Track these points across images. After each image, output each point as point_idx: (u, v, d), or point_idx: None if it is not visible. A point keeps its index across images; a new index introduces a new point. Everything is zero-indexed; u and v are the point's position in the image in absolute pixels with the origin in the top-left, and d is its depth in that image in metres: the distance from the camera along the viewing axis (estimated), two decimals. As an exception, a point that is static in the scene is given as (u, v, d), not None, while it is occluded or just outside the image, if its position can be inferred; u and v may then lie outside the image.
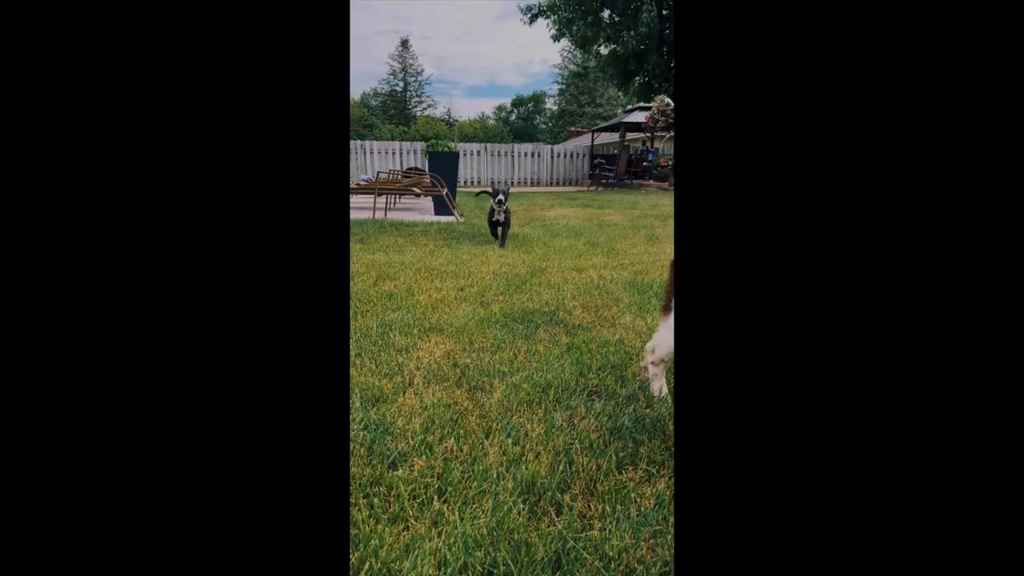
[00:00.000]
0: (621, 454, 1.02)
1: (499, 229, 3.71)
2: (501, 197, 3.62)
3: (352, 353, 1.54)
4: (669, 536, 0.81)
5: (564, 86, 41.42)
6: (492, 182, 3.54)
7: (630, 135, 14.22)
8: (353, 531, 0.80)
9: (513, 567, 0.74)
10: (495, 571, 0.74)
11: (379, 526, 0.82)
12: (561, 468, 0.98)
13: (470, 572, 0.74)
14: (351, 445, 1.04)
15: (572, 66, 39.11)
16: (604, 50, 12.53)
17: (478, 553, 0.76)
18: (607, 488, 0.92)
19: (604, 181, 10.95)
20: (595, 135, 15.44)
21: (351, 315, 1.92)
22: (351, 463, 0.98)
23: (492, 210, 3.70)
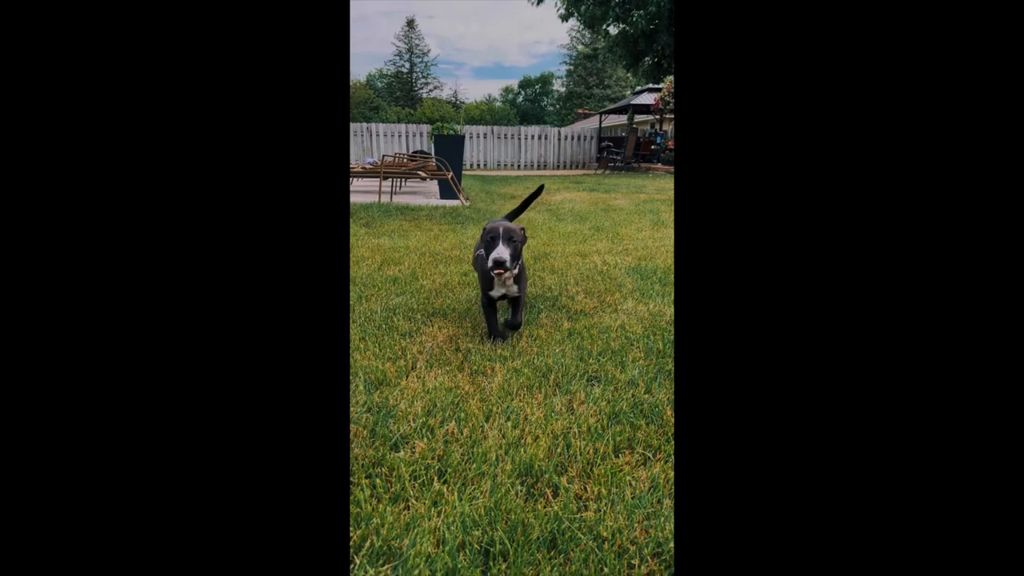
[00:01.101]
0: (618, 438, 1.04)
1: (496, 309, 1.61)
2: (504, 257, 1.41)
3: (356, 337, 1.57)
4: (663, 518, 0.83)
5: (572, 67, 40.83)
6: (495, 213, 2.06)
7: (639, 117, 14.04)
8: (355, 510, 0.83)
9: (509, 545, 0.76)
10: (492, 549, 0.76)
11: (380, 505, 0.84)
12: (559, 451, 1.00)
13: (468, 550, 0.76)
14: (355, 427, 1.07)
15: (580, 46, 38.49)
16: (613, 30, 12.31)
17: (476, 532, 0.79)
18: (603, 471, 0.94)
19: (612, 164, 10.85)
20: (603, 117, 15.25)
21: (356, 300, 1.94)
22: (354, 445, 1.01)
23: (481, 269, 1.57)
